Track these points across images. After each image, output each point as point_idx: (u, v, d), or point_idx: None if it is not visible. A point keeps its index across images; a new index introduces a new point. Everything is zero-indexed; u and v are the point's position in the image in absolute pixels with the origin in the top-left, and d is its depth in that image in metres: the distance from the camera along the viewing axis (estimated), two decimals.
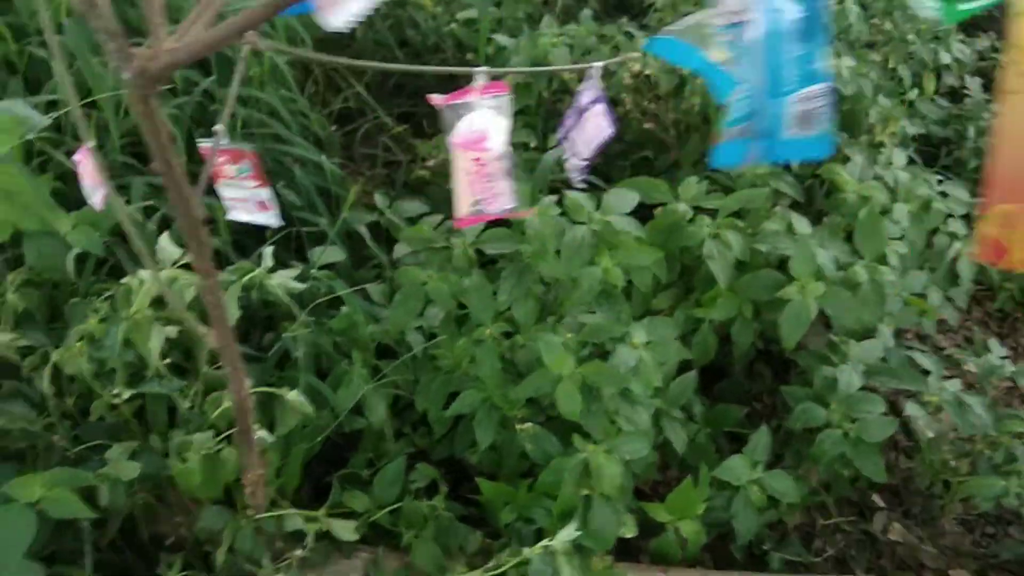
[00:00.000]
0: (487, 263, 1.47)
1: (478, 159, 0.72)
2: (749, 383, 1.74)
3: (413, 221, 1.66)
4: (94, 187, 0.84)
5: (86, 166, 0.82)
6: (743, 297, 1.47)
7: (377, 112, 2.00)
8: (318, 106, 1.95)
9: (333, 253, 1.51)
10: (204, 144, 0.78)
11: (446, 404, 1.34)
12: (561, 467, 1.20)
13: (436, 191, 1.88)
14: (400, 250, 1.57)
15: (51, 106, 1.50)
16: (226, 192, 0.82)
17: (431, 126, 2.20)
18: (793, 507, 1.46)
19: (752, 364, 1.76)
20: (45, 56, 1.49)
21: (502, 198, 0.75)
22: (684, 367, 1.46)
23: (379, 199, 1.66)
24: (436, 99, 0.73)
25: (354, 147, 1.98)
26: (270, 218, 0.82)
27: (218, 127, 0.77)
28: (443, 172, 1.92)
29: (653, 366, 1.26)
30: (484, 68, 0.71)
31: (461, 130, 0.72)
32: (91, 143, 0.80)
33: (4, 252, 1.33)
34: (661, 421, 1.37)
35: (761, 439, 1.39)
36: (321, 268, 1.48)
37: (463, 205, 0.77)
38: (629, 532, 1.25)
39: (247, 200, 0.82)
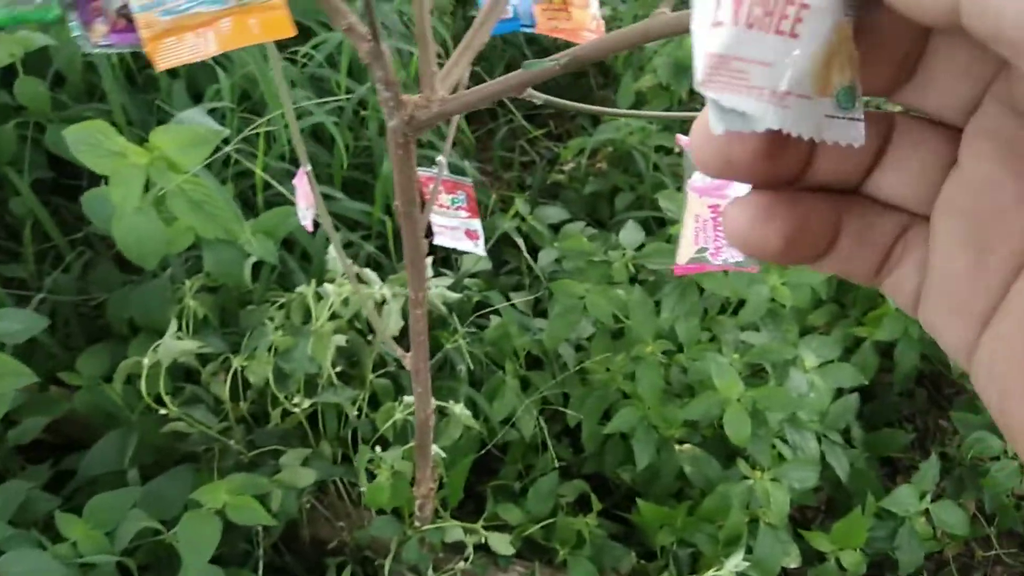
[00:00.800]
0: (635, 279, 1.45)
1: (715, 207, 0.70)
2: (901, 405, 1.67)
3: (555, 228, 1.65)
4: (307, 208, 0.85)
5: (303, 188, 0.83)
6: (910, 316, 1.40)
7: (513, 114, 1.99)
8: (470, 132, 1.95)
9: (481, 261, 1.51)
10: (426, 173, 0.78)
11: (600, 420, 1.32)
12: (728, 493, 1.17)
13: (572, 196, 1.85)
14: (545, 258, 1.55)
15: (211, 112, 1.54)
16: (437, 219, 0.82)
17: (558, 127, 2.18)
18: (956, 538, 1.40)
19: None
20: (209, 61, 1.53)
21: (730, 250, 0.72)
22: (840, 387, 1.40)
23: (521, 205, 1.65)
24: (682, 140, 0.70)
25: (492, 149, 1.97)
26: (477, 247, 0.81)
27: (440, 159, 0.76)
28: (579, 177, 1.90)
29: (825, 391, 1.21)
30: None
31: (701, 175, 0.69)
32: (308, 167, 0.80)
33: (180, 256, 1.37)
34: (822, 446, 1.32)
35: (930, 469, 1.32)
36: (470, 277, 1.48)
37: (686, 252, 0.74)
38: (793, 562, 1.21)
39: (456, 228, 0.81)
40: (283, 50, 1.65)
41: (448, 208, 0.80)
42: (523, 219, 1.65)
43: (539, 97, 0.57)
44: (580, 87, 2.19)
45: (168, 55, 0.53)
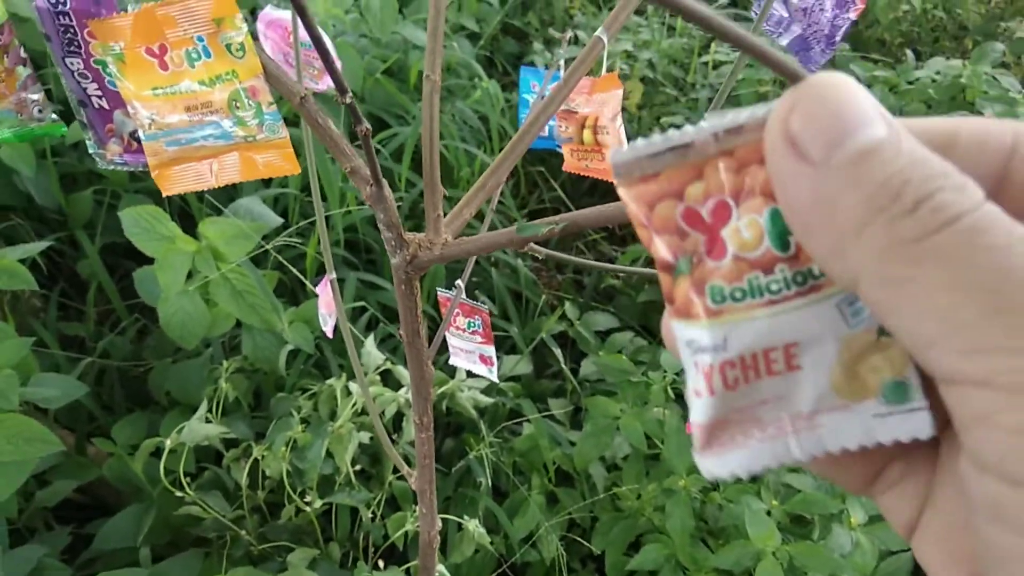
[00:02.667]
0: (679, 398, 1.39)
1: None
2: None
3: (602, 336, 1.61)
4: (328, 315, 0.85)
5: (325, 296, 0.83)
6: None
7: (570, 209, 1.98)
8: (516, 207, 1.96)
9: (522, 365, 1.48)
10: (444, 295, 0.77)
11: (627, 550, 1.25)
12: None
13: (625, 302, 1.82)
14: (588, 368, 1.51)
15: (280, 197, 1.59)
16: (453, 340, 0.80)
17: (621, 229, 2.16)
18: None
19: None
20: None
21: None
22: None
23: (570, 309, 1.62)
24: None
25: (549, 245, 1.96)
26: (490, 373, 0.79)
27: (459, 282, 0.75)
28: (633, 284, 1.87)
29: (871, 552, 1.11)
30: None
31: None
32: (333, 275, 0.80)
33: (223, 336, 1.40)
34: None
35: None
36: (507, 380, 1.45)
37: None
38: None
39: (471, 352, 0.79)
40: (354, 141, 1.70)
41: (464, 331, 0.78)
42: (571, 323, 1.62)
43: (540, 252, 0.55)
44: None
45: (174, 182, 0.53)
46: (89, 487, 1.35)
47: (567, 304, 1.64)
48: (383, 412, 1.12)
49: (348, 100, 0.48)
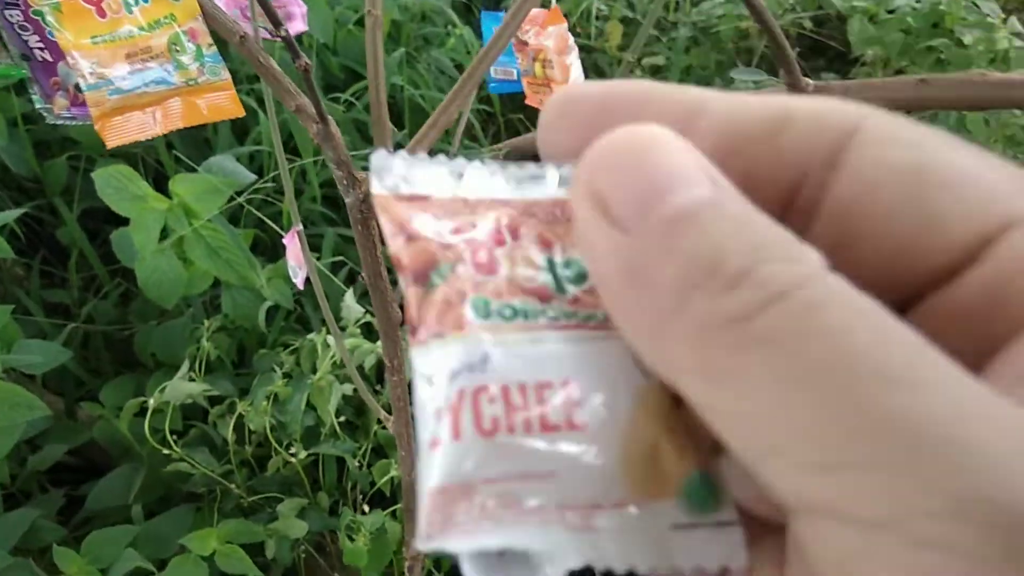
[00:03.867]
0: None
1: None
2: None
3: None
4: (297, 267, 0.85)
5: (293, 248, 0.83)
6: None
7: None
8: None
9: None
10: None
11: None
12: None
13: None
14: None
15: (255, 154, 1.58)
16: None
17: None
18: None
19: None
20: (252, 103, 1.57)
21: None
22: None
23: None
24: None
25: None
26: None
27: None
28: None
29: None
30: None
31: None
32: (299, 226, 0.80)
33: (203, 294, 1.40)
34: None
35: None
36: None
37: None
38: None
39: None
40: (330, 93, 1.69)
41: None
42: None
43: None
44: None
45: (116, 133, 0.53)
46: (80, 450, 1.37)
47: None
48: (362, 364, 1.13)
49: (283, 33, 0.48)
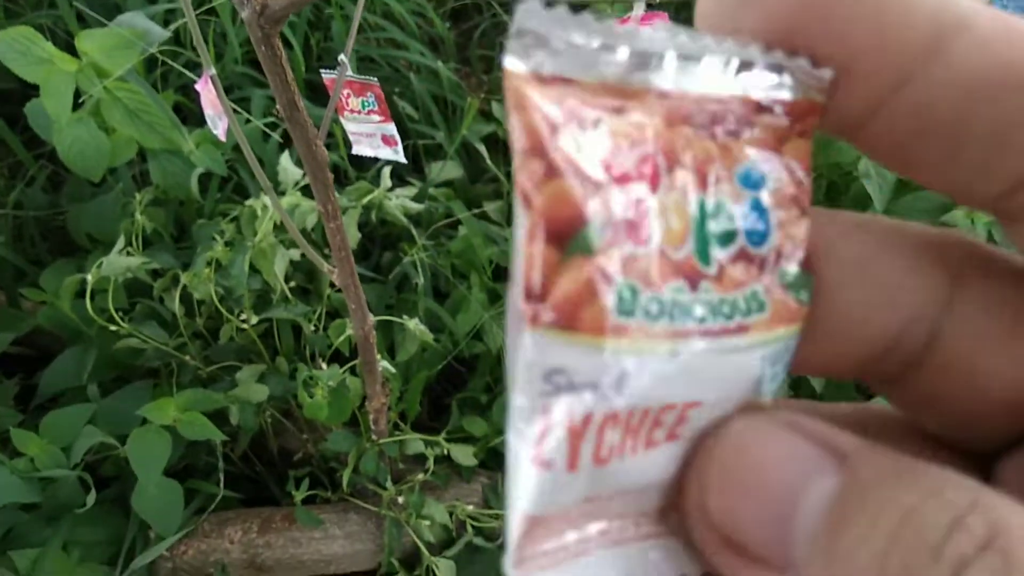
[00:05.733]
0: None
1: None
2: None
3: None
4: (216, 116, 0.80)
5: (208, 95, 0.78)
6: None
7: (496, 9, 1.88)
8: (432, 2, 1.84)
9: (450, 169, 1.45)
10: (328, 75, 0.72)
11: None
12: None
13: None
14: None
15: (169, 15, 1.47)
16: (350, 126, 0.76)
17: None
18: None
19: None
20: None
21: None
22: None
23: (497, 109, 1.57)
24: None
25: (470, 48, 1.87)
26: (395, 154, 0.76)
27: (342, 57, 0.70)
28: None
29: None
30: None
31: None
32: (212, 70, 0.75)
33: (131, 169, 1.34)
34: None
35: None
36: (439, 185, 1.43)
37: None
38: None
39: (373, 135, 0.76)
40: None
41: (359, 113, 0.74)
42: (500, 124, 1.57)
43: None
44: None
45: None
46: (29, 339, 1.34)
47: (494, 105, 1.59)
48: (306, 226, 1.09)
49: None
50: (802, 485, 0.14)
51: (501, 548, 1.19)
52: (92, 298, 1.13)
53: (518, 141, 0.14)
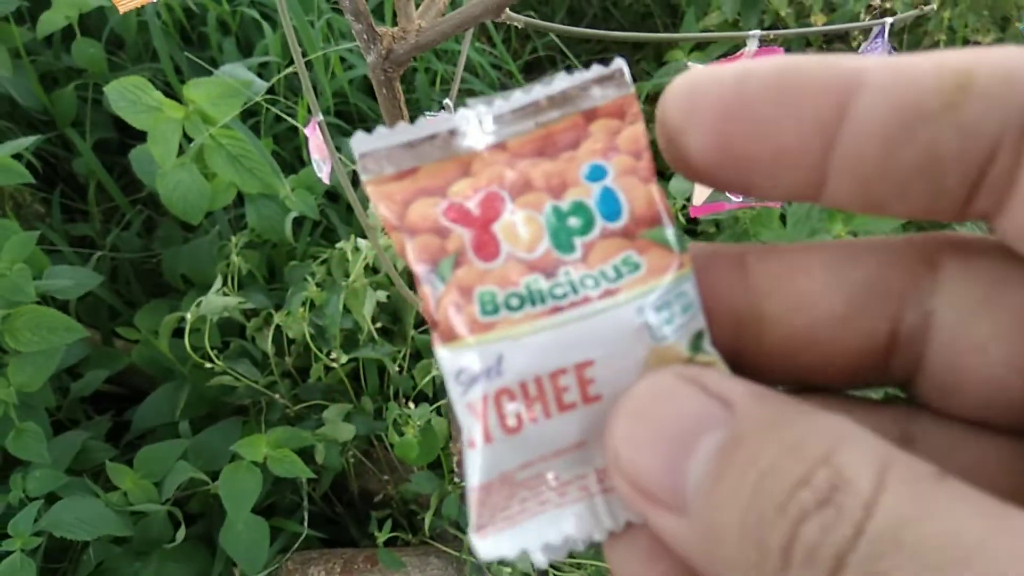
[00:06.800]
0: (690, 231, 1.37)
1: None
2: None
3: None
4: (322, 160, 0.83)
5: (315, 139, 0.81)
6: None
7: (569, 59, 1.91)
8: (509, 54, 1.89)
9: None
10: (432, 117, 0.74)
11: None
12: None
13: None
14: None
15: (263, 67, 1.54)
16: None
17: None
18: None
19: None
20: (256, 16, 1.52)
21: None
22: None
23: None
24: None
25: None
26: None
27: (447, 102, 0.72)
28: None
29: None
30: (757, 32, 0.61)
31: None
32: (319, 117, 0.77)
33: (227, 213, 1.39)
34: None
35: None
36: None
37: (702, 191, 0.68)
38: None
39: None
40: None
41: None
42: None
43: (518, 19, 0.52)
44: (646, 28, 2.08)
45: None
46: (121, 378, 1.38)
47: None
48: (395, 263, 1.11)
49: None
50: (696, 435, 0.15)
51: None
52: (188, 334, 1.17)
53: (387, 224, 0.18)
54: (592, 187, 0.18)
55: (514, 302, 0.18)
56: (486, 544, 0.17)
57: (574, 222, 0.18)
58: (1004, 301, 0.17)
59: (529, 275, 0.18)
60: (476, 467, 0.17)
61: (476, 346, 0.17)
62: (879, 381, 0.19)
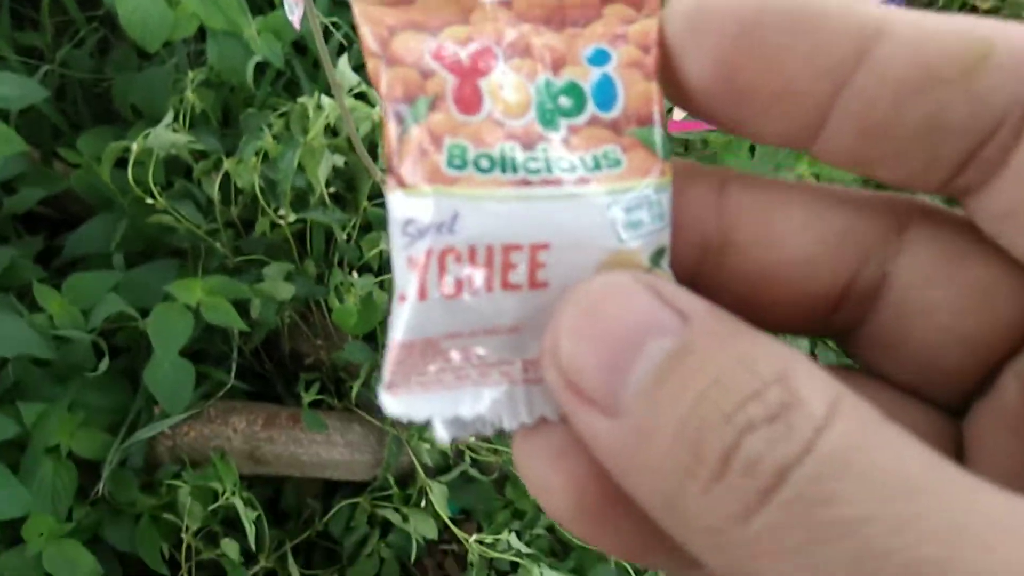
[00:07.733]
0: None
1: None
2: None
3: None
4: (294, 3, 0.78)
5: None
6: None
7: None
8: None
9: None
10: None
11: None
12: None
13: None
14: None
15: None
16: None
17: None
18: None
19: None
20: None
21: None
22: None
23: None
24: None
25: None
26: None
27: None
28: None
29: None
30: None
31: None
32: None
33: (187, 46, 1.32)
34: None
35: None
36: None
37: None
38: None
39: None
40: None
41: None
42: None
43: None
44: None
45: None
46: (57, 202, 1.34)
47: None
48: (358, 128, 1.08)
49: None
50: (643, 340, 0.15)
51: (495, 482, 1.21)
52: (131, 165, 1.12)
53: (365, 48, 0.17)
54: (591, 71, 0.18)
55: (484, 163, 0.17)
56: (395, 403, 0.17)
57: (564, 101, 0.17)
58: (961, 274, 0.17)
59: (506, 141, 0.17)
60: (402, 322, 0.17)
61: (433, 196, 0.16)
62: (818, 331, 0.19)
